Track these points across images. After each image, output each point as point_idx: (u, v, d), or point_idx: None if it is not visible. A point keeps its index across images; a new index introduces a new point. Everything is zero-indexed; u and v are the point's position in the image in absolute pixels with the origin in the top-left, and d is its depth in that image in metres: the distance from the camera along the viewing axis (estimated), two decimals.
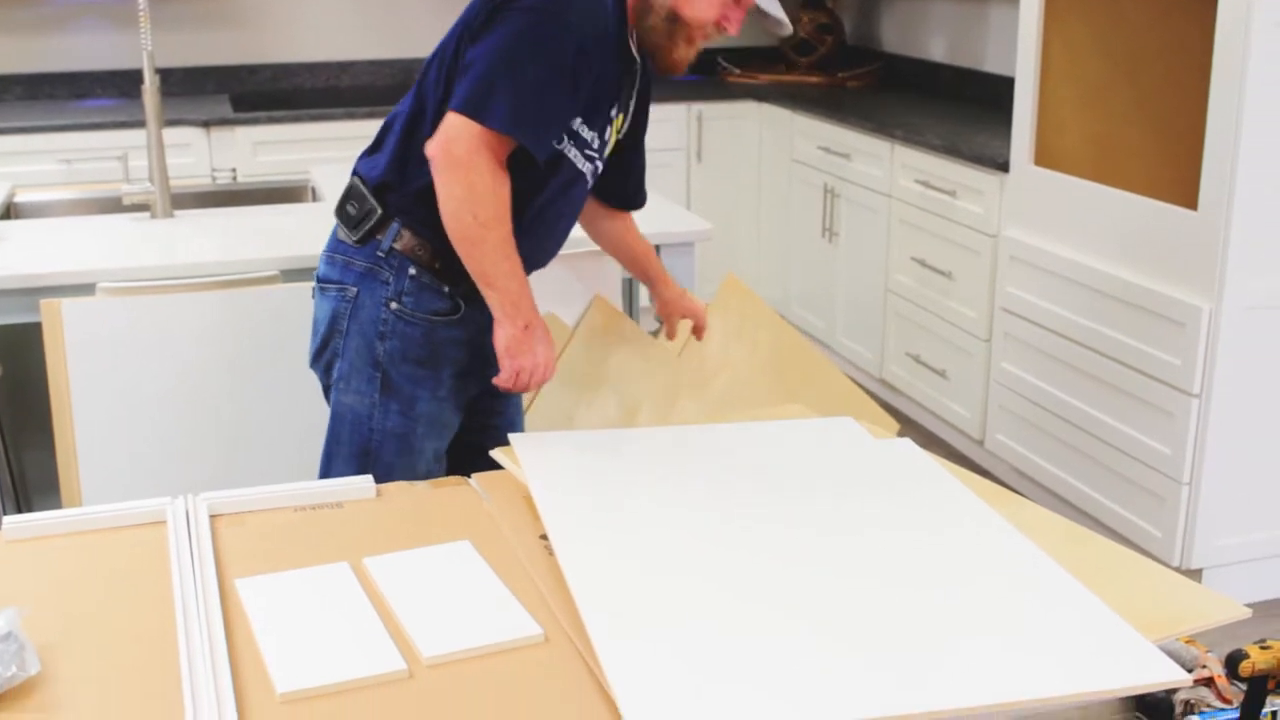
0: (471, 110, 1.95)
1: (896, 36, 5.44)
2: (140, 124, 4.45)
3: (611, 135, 2.19)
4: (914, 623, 1.45)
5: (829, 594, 1.51)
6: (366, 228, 2.12)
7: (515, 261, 2.01)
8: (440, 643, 1.40)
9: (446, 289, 2.12)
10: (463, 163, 1.96)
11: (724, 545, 1.63)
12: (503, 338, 2.04)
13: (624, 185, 2.40)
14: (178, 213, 3.31)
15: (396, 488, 1.82)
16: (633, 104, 2.24)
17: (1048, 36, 3.50)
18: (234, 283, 2.74)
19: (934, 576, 1.56)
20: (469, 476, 1.86)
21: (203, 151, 4.63)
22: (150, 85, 3.26)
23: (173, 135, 4.47)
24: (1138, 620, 1.47)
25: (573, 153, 2.10)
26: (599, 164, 2.19)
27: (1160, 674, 1.38)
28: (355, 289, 2.14)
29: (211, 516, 1.70)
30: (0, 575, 1.56)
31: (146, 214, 3.30)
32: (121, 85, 5.13)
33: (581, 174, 2.15)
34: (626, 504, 1.74)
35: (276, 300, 2.71)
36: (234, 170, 4.66)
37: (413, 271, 2.11)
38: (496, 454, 1.90)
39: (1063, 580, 1.55)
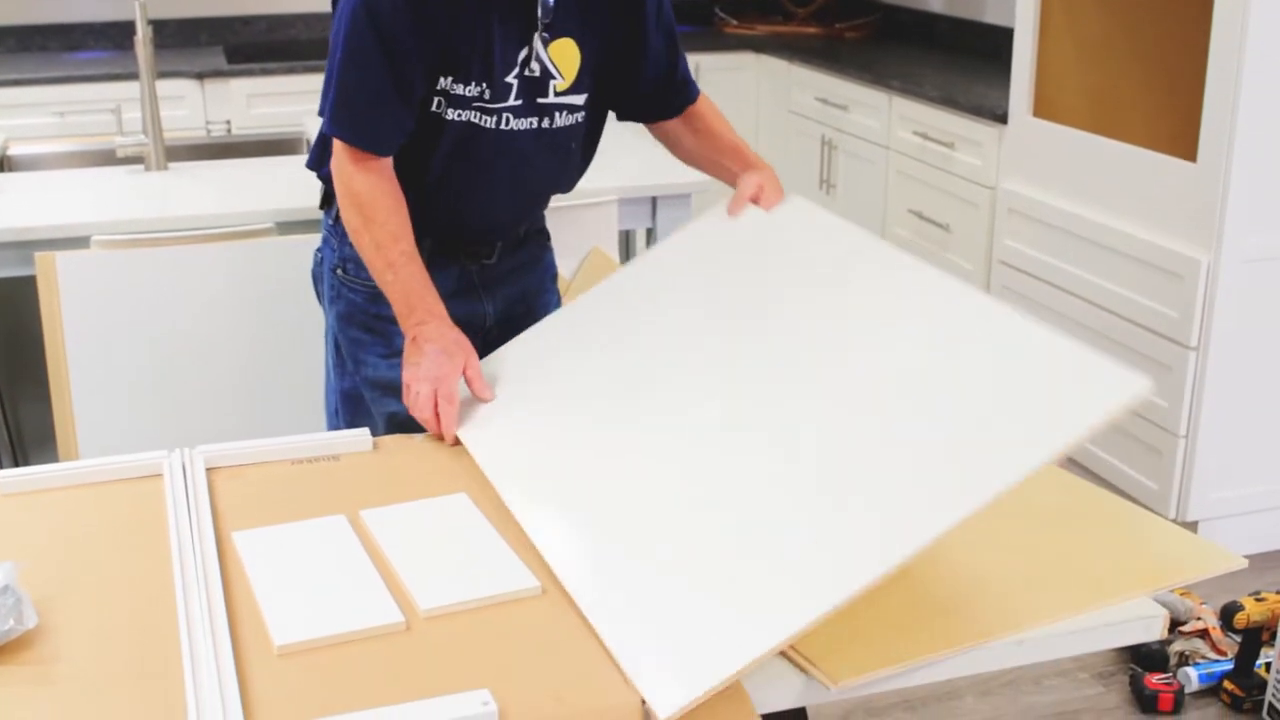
0: (322, 113, 1.93)
1: None
2: (134, 76, 4.41)
3: (562, 70, 1.95)
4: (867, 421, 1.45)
5: (766, 447, 1.52)
6: (323, 194, 2.12)
7: (399, 267, 1.88)
8: (437, 595, 1.40)
9: None
10: (333, 173, 1.94)
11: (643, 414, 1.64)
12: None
13: (651, 97, 2.12)
14: (172, 165, 3.30)
15: (393, 440, 1.82)
16: (580, 27, 1.95)
17: None
18: (229, 235, 2.73)
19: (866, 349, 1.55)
20: None
21: (197, 104, 4.60)
22: (143, 37, 3.24)
23: (166, 87, 4.44)
24: (1133, 571, 1.47)
25: (454, 113, 1.91)
26: (536, 106, 1.96)
27: (1132, 387, 1.33)
28: (321, 253, 2.16)
29: (208, 469, 1.70)
30: None
31: (141, 166, 3.28)
32: (114, 37, 5.09)
33: (482, 129, 1.93)
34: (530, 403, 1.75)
35: (271, 252, 2.70)
36: (228, 123, 4.63)
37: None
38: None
39: (1001, 318, 1.51)
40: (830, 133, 4.66)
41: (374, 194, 1.89)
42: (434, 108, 1.91)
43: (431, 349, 1.84)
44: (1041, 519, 1.59)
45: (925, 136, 4.07)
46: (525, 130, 1.98)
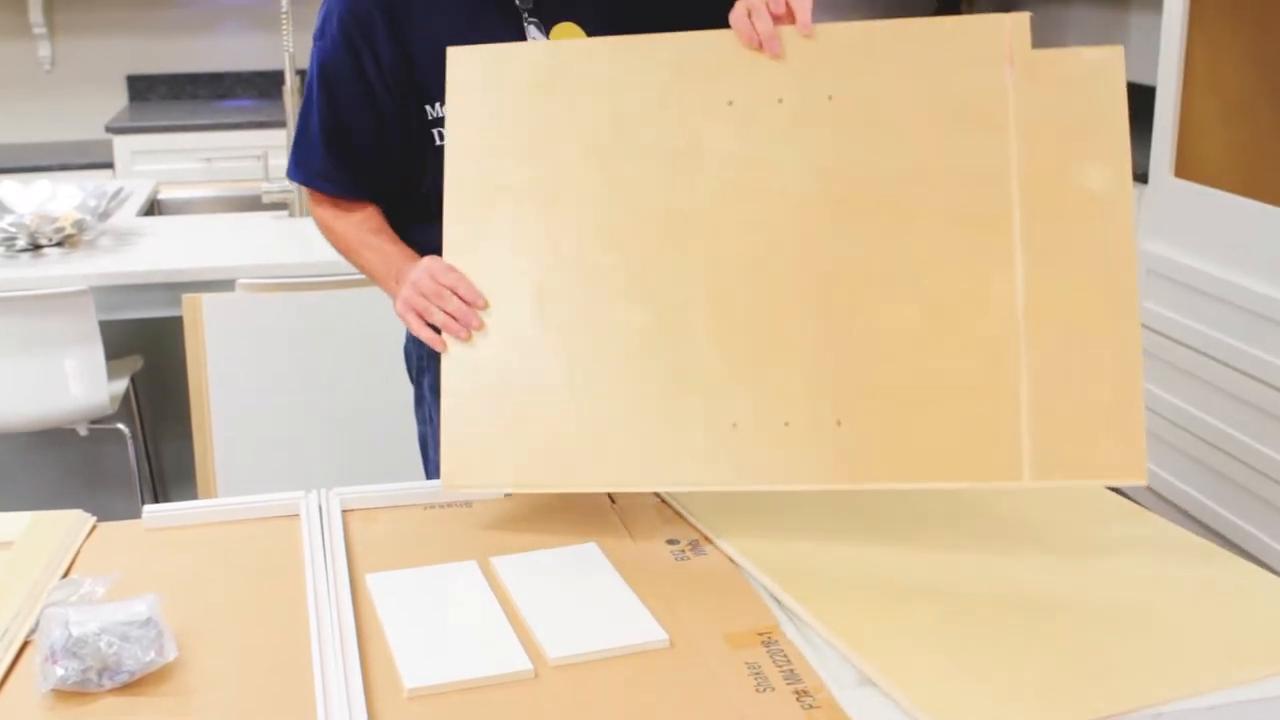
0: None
1: (1035, 41, 5.34)
2: (280, 124, 4.53)
3: None
4: None
5: None
6: None
7: (369, 243, 1.90)
8: (566, 644, 1.40)
9: None
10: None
11: None
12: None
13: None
14: None
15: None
16: (589, 8, 1.81)
17: (1191, 43, 3.41)
18: (369, 281, 2.78)
19: None
20: None
21: None
22: (290, 86, 3.33)
23: None
24: (1276, 646, 1.42)
25: (438, 131, 1.84)
26: None
27: None
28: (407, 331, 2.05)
29: (344, 511, 1.72)
30: (140, 562, 1.60)
31: (285, 212, 3.37)
32: (262, 86, 5.24)
33: None
34: None
35: None
36: None
37: None
38: None
39: None
40: None
41: (333, 234, 1.96)
42: (437, 141, 1.83)
43: (411, 270, 1.72)
44: (1183, 590, 1.54)
45: None
46: None
